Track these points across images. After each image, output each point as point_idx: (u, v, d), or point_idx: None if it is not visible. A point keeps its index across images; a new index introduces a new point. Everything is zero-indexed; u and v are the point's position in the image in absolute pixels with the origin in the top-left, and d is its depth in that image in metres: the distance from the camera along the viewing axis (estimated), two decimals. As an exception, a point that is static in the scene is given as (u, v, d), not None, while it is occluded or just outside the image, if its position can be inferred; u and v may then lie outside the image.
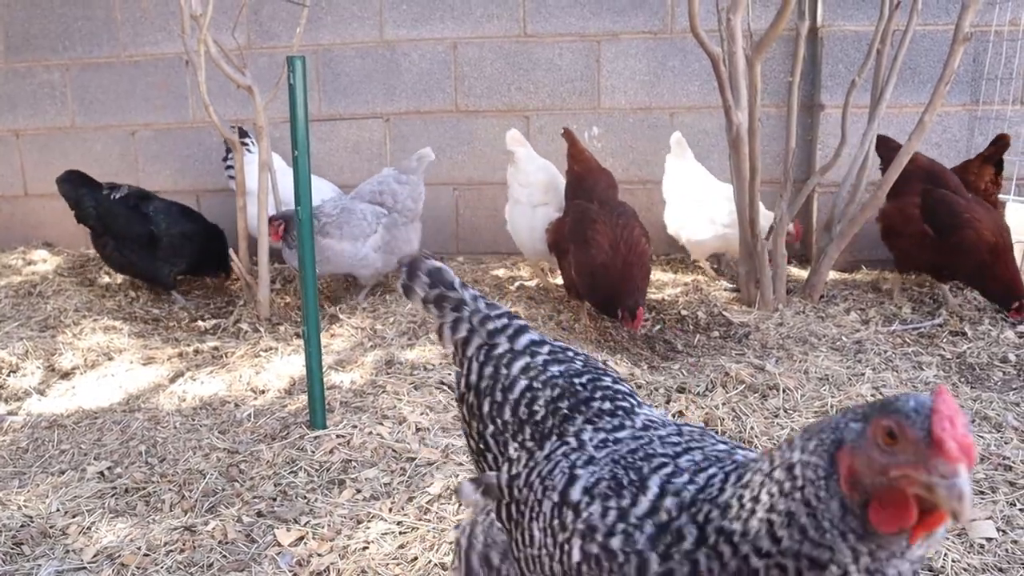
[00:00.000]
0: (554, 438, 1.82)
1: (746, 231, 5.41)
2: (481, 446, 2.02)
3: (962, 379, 4.35)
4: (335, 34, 6.92)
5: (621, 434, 1.75)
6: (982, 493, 3.17)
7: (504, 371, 1.97)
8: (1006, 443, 3.56)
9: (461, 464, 3.42)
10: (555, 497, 1.64)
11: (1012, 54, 6.38)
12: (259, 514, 3.17)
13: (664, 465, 1.58)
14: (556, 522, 1.62)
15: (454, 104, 6.96)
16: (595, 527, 1.52)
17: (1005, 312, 5.22)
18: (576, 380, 1.92)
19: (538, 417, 1.88)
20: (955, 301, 5.56)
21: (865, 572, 1.25)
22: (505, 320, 2.06)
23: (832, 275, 6.18)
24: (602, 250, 4.86)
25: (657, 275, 6.27)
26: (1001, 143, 5.94)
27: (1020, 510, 3.05)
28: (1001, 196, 6.28)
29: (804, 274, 6.08)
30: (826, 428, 1.33)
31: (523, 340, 2.02)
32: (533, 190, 5.76)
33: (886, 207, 5.73)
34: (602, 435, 1.76)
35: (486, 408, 1.98)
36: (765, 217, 5.52)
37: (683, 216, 6.16)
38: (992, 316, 5.29)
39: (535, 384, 1.93)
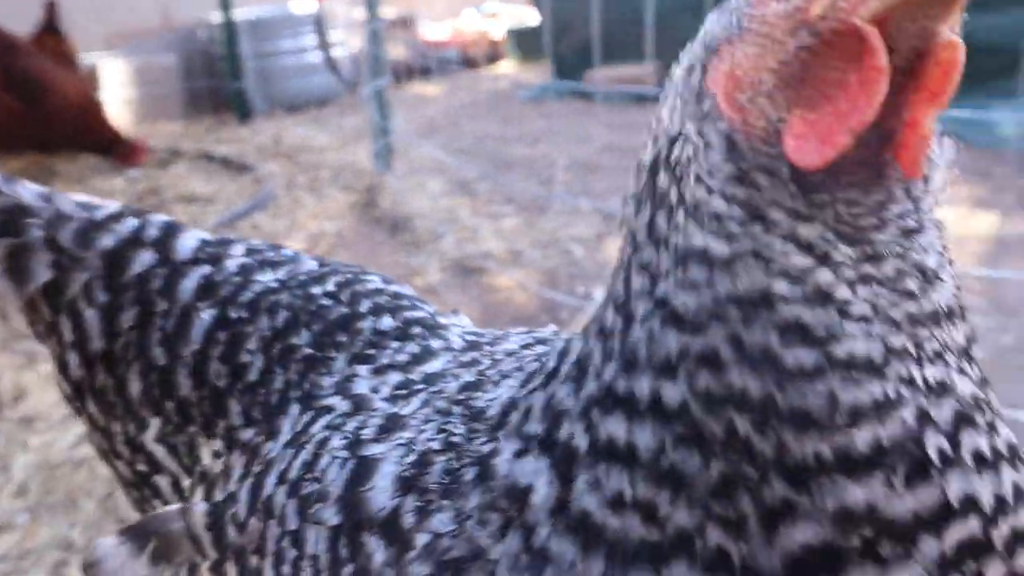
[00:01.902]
0: (296, 408, 1.01)
1: None
2: (142, 466, 1.14)
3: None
4: None
5: (432, 366, 0.98)
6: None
7: (163, 304, 1.10)
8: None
9: None
10: (331, 516, 0.84)
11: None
12: None
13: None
14: (347, 571, 0.81)
15: None
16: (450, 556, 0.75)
17: (114, 161, 5.37)
18: (315, 290, 1.10)
19: (252, 376, 1.05)
20: (74, 168, 5.48)
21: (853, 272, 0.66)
22: (135, 222, 1.16)
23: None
24: None
25: None
26: (51, 10, 5.84)
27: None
28: (91, 55, 6.31)
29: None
30: (679, 79, 0.75)
31: (187, 243, 1.15)
32: None
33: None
34: (397, 376, 0.98)
35: (135, 387, 1.10)
36: None
37: None
38: (103, 172, 5.38)
39: (233, 313, 1.08)
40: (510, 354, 0.93)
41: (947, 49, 0.61)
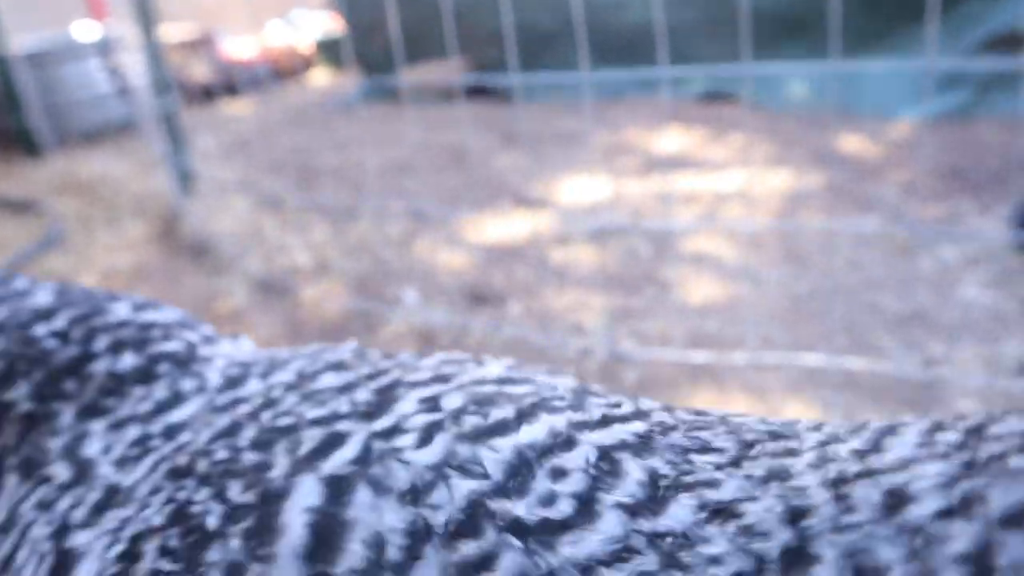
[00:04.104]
0: (13, 479, 0.77)
1: None
2: None
3: None
4: None
5: (178, 415, 0.77)
6: None
7: None
8: None
9: None
10: None
11: None
12: None
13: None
14: None
15: None
16: None
17: None
18: (38, 330, 0.88)
19: None
20: None
21: None
22: None
23: None
24: None
25: None
26: None
27: None
28: None
29: None
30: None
31: None
32: None
33: None
34: (134, 431, 0.76)
35: None
36: None
37: None
38: None
39: None
40: (291, 388, 0.71)
41: None
